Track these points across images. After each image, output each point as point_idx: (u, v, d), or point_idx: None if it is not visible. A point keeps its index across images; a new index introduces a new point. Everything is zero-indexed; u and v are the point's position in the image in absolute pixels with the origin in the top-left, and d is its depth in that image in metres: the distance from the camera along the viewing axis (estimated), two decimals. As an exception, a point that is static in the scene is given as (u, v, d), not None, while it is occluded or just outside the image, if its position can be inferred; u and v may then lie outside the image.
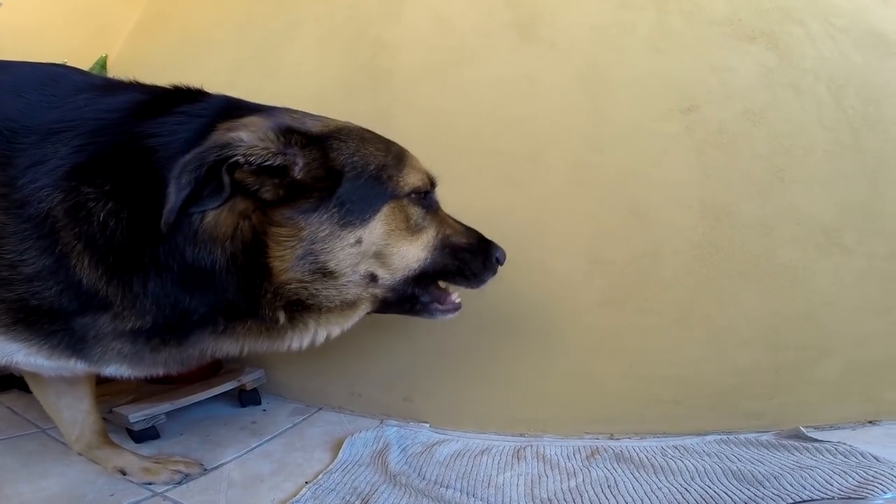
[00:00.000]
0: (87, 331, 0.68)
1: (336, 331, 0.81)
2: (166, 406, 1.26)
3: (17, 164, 0.63)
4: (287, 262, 0.68)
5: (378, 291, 0.79)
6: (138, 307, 0.67)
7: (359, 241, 0.72)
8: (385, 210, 0.75)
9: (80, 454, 1.11)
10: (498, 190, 1.26)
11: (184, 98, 0.74)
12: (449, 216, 0.90)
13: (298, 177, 0.68)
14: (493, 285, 1.23)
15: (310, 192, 0.69)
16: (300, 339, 0.78)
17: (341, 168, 0.72)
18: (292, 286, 0.70)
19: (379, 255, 0.75)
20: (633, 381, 1.17)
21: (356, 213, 0.72)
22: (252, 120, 0.69)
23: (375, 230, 0.74)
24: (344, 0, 1.60)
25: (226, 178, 0.63)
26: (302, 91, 1.53)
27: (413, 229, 0.79)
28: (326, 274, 0.71)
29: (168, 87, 0.76)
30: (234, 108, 0.73)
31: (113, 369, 0.75)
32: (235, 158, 0.62)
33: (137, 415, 1.20)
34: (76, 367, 0.74)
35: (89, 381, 1.05)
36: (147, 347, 0.71)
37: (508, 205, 1.24)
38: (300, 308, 0.73)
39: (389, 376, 1.40)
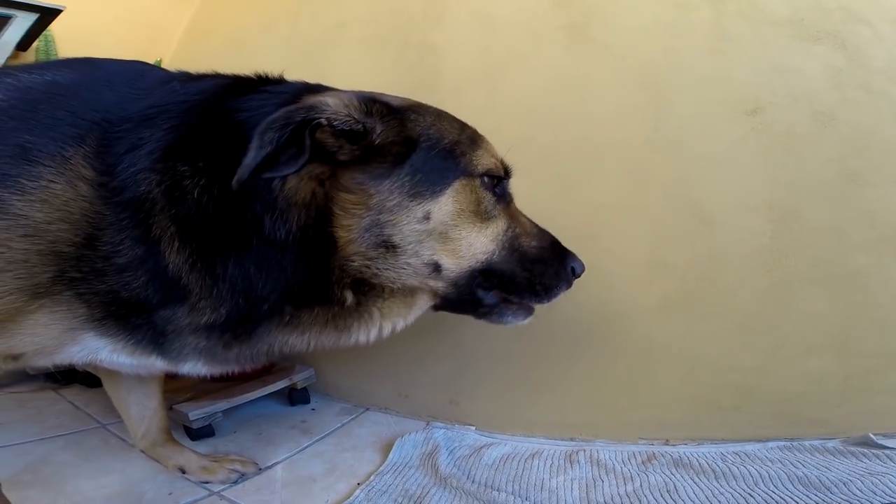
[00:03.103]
0: (167, 325, 0.69)
1: (400, 324, 0.79)
2: (223, 404, 1.29)
3: (115, 152, 0.65)
4: (353, 232, 0.68)
5: (440, 285, 0.76)
6: (214, 296, 0.68)
7: (427, 217, 0.70)
8: (456, 185, 0.73)
9: (142, 451, 1.13)
10: (553, 193, 1.25)
11: (266, 82, 0.76)
12: (522, 213, 0.86)
13: (376, 142, 0.69)
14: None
15: (385, 156, 0.69)
16: (366, 332, 0.76)
17: (417, 138, 0.72)
18: (356, 263, 0.69)
19: (445, 238, 0.72)
20: (692, 388, 1.15)
21: (427, 184, 0.70)
22: (337, 91, 0.72)
23: (445, 206, 0.71)
24: (388, 4, 1.62)
25: (308, 141, 0.64)
26: (351, 95, 1.55)
27: (483, 215, 0.75)
28: (390, 248, 0.70)
29: (250, 74, 0.78)
30: (315, 89, 0.75)
31: (189, 366, 0.76)
32: (320, 120, 0.63)
33: (197, 412, 1.23)
34: (156, 364, 0.75)
35: (158, 379, 1.07)
36: (220, 343, 0.72)
37: (564, 208, 1.23)
38: (365, 289, 0.73)
39: (436, 378, 1.40)
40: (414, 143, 0.72)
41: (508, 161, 0.84)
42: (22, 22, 1.62)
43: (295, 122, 0.62)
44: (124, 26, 2.12)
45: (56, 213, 0.61)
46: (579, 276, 0.85)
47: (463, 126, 0.81)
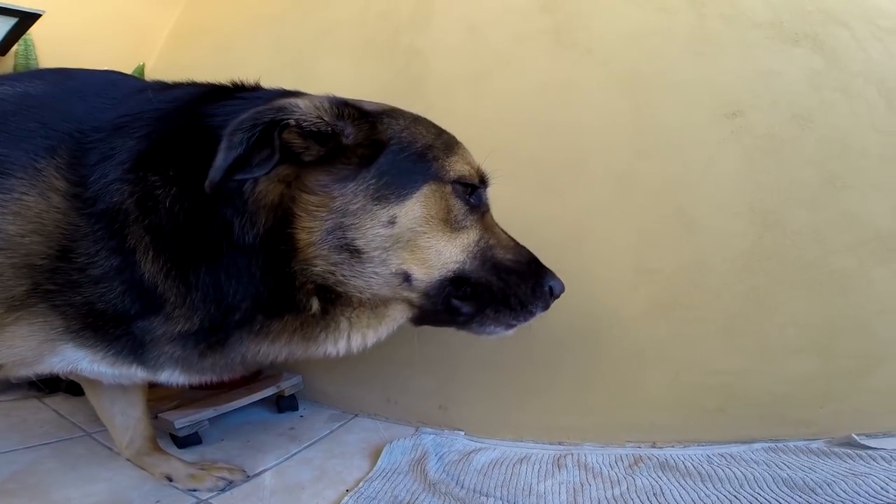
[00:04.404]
0: (145, 335, 0.69)
1: (370, 336, 0.76)
2: (210, 412, 1.28)
3: (87, 163, 0.64)
4: (314, 234, 0.66)
5: (412, 296, 0.73)
6: (188, 304, 0.67)
7: (392, 221, 0.68)
8: (425, 190, 0.70)
9: (128, 460, 1.12)
10: (538, 198, 1.25)
11: (242, 89, 0.76)
12: (499, 226, 0.84)
13: (344, 143, 0.68)
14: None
15: (350, 157, 0.68)
16: (335, 343, 0.74)
17: (387, 140, 0.71)
18: (318, 268, 0.68)
19: (412, 246, 0.70)
20: (678, 390, 1.15)
21: (393, 188, 0.68)
22: (310, 95, 0.71)
23: (412, 211, 0.69)
24: (375, 8, 1.62)
25: (277, 142, 0.63)
26: (338, 100, 1.55)
27: (452, 224, 0.73)
28: (354, 253, 0.67)
29: (226, 82, 0.77)
30: (292, 95, 0.74)
31: (167, 375, 0.75)
32: (288, 121, 0.63)
33: (182, 421, 1.22)
34: (136, 374, 0.75)
35: (142, 388, 1.07)
36: (195, 352, 0.72)
37: (550, 213, 1.24)
38: (332, 297, 0.70)
39: (425, 384, 1.40)
40: (382, 146, 0.70)
41: (486, 169, 0.81)
42: (0, 26, 1.60)
43: (263, 123, 0.61)
44: (106, 30, 2.11)
45: (29, 225, 0.60)
46: (558, 296, 0.82)
47: (440, 132, 0.80)
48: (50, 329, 0.65)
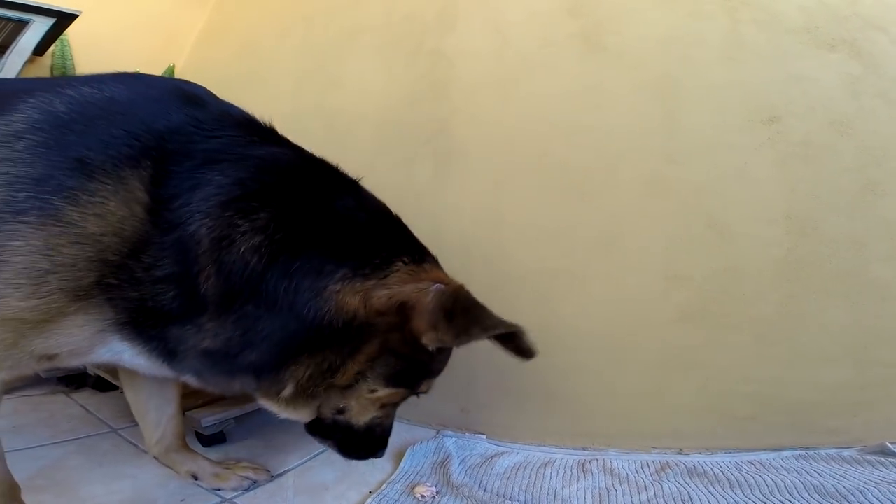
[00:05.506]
0: (178, 341, 0.71)
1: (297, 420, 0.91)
2: (237, 411, 1.28)
3: (172, 185, 0.66)
4: (347, 378, 0.78)
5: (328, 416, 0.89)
6: (220, 321, 0.69)
7: (373, 391, 0.83)
8: (402, 391, 0.86)
9: (155, 457, 1.13)
10: (567, 203, 1.25)
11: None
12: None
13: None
14: (560, 298, 1.20)
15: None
16: (273, 410, 0.85)
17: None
18: (319, 387, 0.78)
19: (366, 403, 0.86)
20: (707, 398, 1.14)
21: (398, 381, 0.83)
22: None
23: (385, 394, 0.84)
24: (400, 11, 1.62)
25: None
26: (365, 103, 1.56)
27: (385, 408, 0.91)
28: (340, 410, 0.86)
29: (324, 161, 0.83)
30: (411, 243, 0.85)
31: (187, 378, 0.80)
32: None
33: (210, 419, 1.22)
34: (167, 372, 0.77)
35: (177, 386, 1.07)
36: (209, 371, 0.76)
37: (579, 218, 1.23)
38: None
39: (447, 386, 1.37)
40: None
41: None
42: (39, 27, 1.65)
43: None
44: (139, 31, 2.16)
45: (109, 227, 0.62)
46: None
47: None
48: (103, 320, 0.67)
